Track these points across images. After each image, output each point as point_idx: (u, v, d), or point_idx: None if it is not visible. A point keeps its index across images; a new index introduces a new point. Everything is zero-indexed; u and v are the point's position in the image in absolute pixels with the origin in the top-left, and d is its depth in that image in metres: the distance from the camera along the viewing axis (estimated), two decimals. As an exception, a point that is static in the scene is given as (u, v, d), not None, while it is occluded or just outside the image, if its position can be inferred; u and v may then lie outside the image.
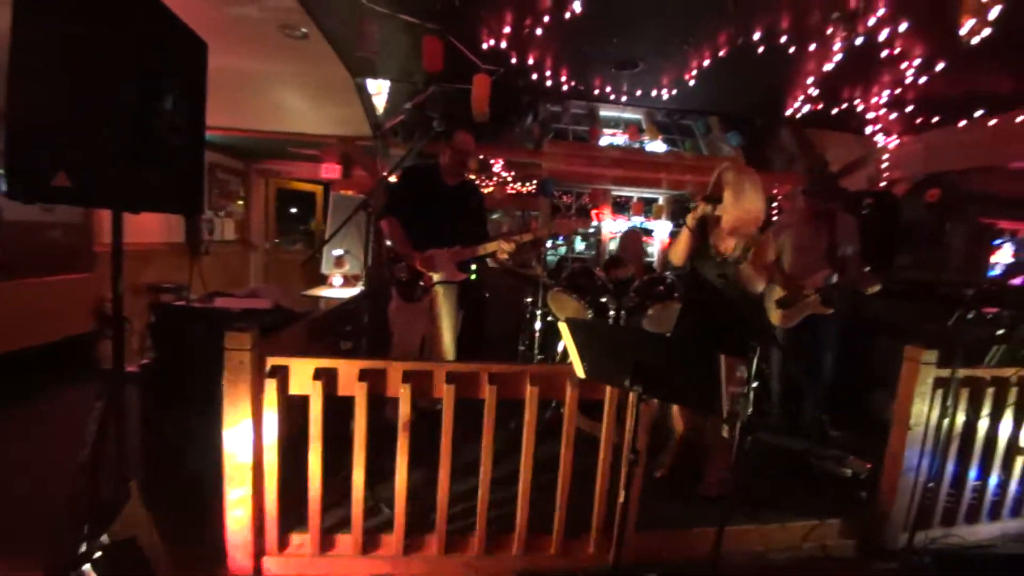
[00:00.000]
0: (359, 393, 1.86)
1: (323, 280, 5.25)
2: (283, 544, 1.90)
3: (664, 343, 1.89)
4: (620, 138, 6.09)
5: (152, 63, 1.45)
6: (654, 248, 6.20)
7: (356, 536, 1.91)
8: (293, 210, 7.75)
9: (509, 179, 6.95)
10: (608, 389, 1.99)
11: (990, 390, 2.27)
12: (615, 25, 2.80)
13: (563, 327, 1.78)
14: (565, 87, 3.75)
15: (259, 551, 1.87)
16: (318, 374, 1.85)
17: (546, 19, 2.64)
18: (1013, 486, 2.41)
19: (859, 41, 2.65)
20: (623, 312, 3.37)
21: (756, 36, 2.75)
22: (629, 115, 6.12)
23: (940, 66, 2.98)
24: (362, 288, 4.75)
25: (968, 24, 2.34)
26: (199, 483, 1.93)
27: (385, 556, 1.94)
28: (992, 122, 3.84)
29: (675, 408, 2.58)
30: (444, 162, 2.77)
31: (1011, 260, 4.47)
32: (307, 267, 6.45)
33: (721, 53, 3.00)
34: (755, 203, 2.12)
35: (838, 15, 2.41)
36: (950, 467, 2.27)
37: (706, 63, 3.18)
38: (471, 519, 1.97)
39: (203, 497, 1.89)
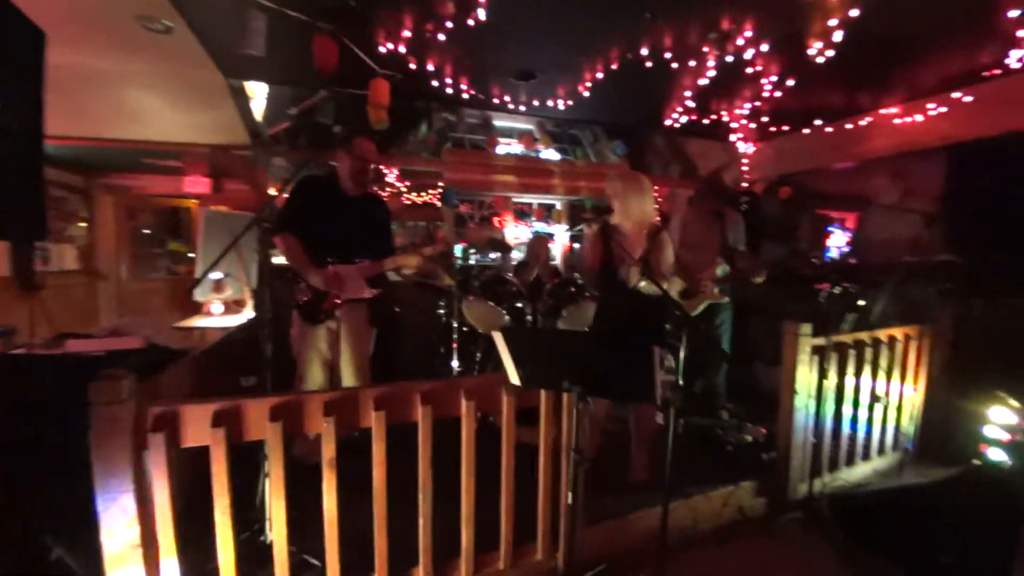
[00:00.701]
0: (272, 435, 1.63)
1: (197, 308, 4.61)
2: (190, 628, 1.59)
3: (598, 342, 1.93)
4: (516, 147, 6.23)
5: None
6: (557, 251, 6.43)
7: (281, 595, 1.66)
8: (146, 231, 6.67)
9: (404, 189, 6.75)
10: (543, 394, 1.99)
11: (852, 352, 2.68)
12: (515, 35, 2.84)
13: (497, 336, 1.74)
14: (465, 95, 3.72)
15: (160, 643, 1.54)
16: (219, 419, 1.58)
17: (448, 25, 2.59)
18: (876, 429, 2.87)
19: (728, 59, 3.03)
20: (539, 315, 3.42)
21: (643, 52, 2.98)
22: (522, 125, 6.29)
23: (791, 82, 3.51)
24: (252, 314, 4.29)
25: (816, 46, 2.81)
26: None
27: (318, 611, 1.72)
28: (828, 129, 4.64)
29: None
30: (344, 172, 2.55)
31: (845, 244, 5.42)
32: (178, 296, 5.65)
33: (613, 66, 3.21)
34: (641, 205, 2.35)
35: (714, 35, 2.73)
36: (829, 421, 2.63)
37: (599, 75, 3.37)
38: (413, 551, 1.83)
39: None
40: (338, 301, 2.57)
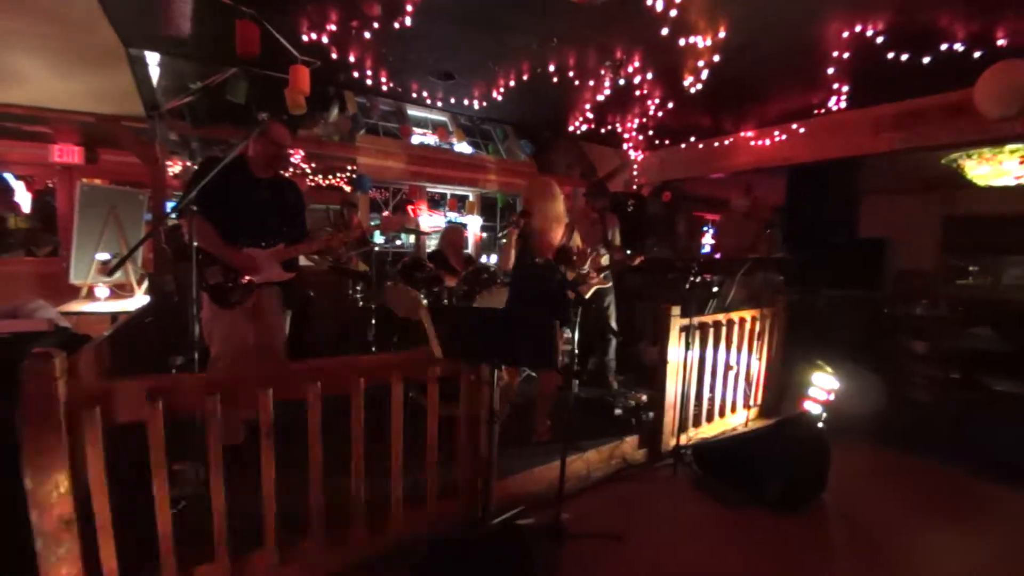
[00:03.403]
0: (210, 409, 1.73)
1: (75, 293, 4.19)
2: (128, 596, 1.65)
3: (509, 317, 2.25)
4: (431, 138, 6.36)
5: None
6: (469, 241, 6.70)
7: (222, 563, 1.77)
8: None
9: (308, 171, 6.58)
10: (463, 365, 2.26)
11: (711, 330, 3.31)
12: (437, 41, 3.05)
13: (424, 313, 2.00)
14: (383, 87, 3.82)
15: (97, 611, 1.59)
16: (153, 394, 1.65)
17: (375, 25, 2.72)
18: (729, 392, 3.55)
19: (621, 82, 3.54)
20: (454, 299, 3.69)
21: (551, 68, 3.37)
22: (436, 116, 6.43)
23: (671, 104, 4.15)
24: (144, 299, 4.01)
25: (688, 79, 3.42)
26: None
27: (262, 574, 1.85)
28: (700, 145, 5.46)
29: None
30: (254, 153, 2.50)
31: (711, 241, 6.40)
32: (47, 280, 5.02)
33: (524, 77, 3.56)
34: (555, 207, 2.74)
35: (609, 62, 3.19)
36: (694, 387, 3.24)
37: (511, 83, 3.70)
38: (347, 511, 2.02)
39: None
40: (253, 283, 2.57)
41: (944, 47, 2.91)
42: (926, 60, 3.07)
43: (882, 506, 2.70)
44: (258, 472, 1.82)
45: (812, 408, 3.42)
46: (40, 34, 2.54)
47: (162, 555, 1.67)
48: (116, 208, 4.30)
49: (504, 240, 2.86)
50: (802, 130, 4.64)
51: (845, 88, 3.72)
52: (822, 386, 3.40)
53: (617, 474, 2.88)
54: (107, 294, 4.07)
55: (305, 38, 2.90)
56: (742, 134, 5.06)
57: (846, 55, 3.10)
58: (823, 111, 4.30)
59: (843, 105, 4.07)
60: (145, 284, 4.14)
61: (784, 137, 4.79)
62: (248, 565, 1.85)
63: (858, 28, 2.78)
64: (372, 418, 1.99)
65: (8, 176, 5.36)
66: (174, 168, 5.56)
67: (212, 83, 3.55)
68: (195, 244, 2.08)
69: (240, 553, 1.83)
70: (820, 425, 3.28)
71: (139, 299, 4.08)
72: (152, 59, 3.49)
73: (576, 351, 2.39)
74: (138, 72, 3.29)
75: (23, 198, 5.61)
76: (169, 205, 4.59)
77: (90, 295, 4.07)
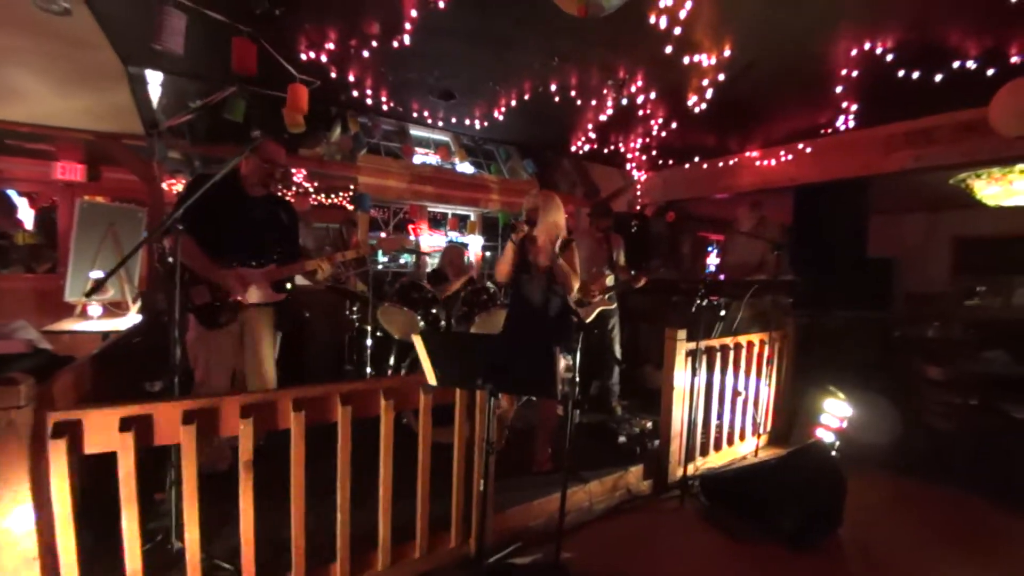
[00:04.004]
0: (186, 439, 1.63)
1: (69, 311, 4.14)
2: (91, 641, 1.53)
3: (507, 344, 2.15)
4: (432, 158, 6.36)
5: None
6: (471, 261, 6.64)
7: (194, 601, 1.65)
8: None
9: (312, 189, 6.58)
10: (458, 392, 2.16)
11: (719, 354, 3.19)
12: (437, 61, 3.03)
13: (416, 339, 1.90)
14: (384, 106, 3.81)
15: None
16: (127, 424, 1.55)
17: (374, 44, 2.69)
18: (738, 419, 3.41)
19: (624, 102, 3.50)
20: (452, 321, 3.59)
21: (552, 88, 3.34)
22: (438, 136, 6.44)
23: (674, 124, 4.10)
24: (137, 317, 3.95)
25: (692, 99, 3.37)
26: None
27: (234, 613, 1.72)
28: (704, 165, 5.41)
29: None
30: (246, 171, 2.45)
31: (717, 261, 6.29)
32: (43, 297, 4.98)
33: (525, 97, 3.53)
34: (557, 218, 2.68)
35: (611, 81, 3.15)
36: (701, 413, 3.11)
37: (512, 103, 3.68)
38: (331, 548, 1.90)
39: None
40: (243, 302, 2.49)
41: (956, 64, 2.85)
42: (938, 78, 3.01)
43: (901, 540, 2.55)
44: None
45: (824, 436, 3.27)
46: (40, 51, 2.53)
47: (129, 597, 1.56)
48: (115, 225, 4.27)
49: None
50: (808, 150, 4.58)
51: (854, 107, 3.66)
52: (834, 413, 3.26)
53: (621, 506, 2.74)
54: (100, 312, 4.01)
55: (304, 56, 2.89)
56: (747, 154, 5.01)
57: (855, 73, 3.04)
58: (831, 130, 4.24)
59: (851, 124, 4.01)
60: (139, 303, 4.08)
61: (790, 157, 4.73)
62: (222, 607, 1.72)
63: (867, 46, 2.73)
64: (362, 443, 1.89)
65: (12, 193, 5.38)
66: (177, 186, 5.56)
67: (211, 101, 3.54)
68: (178, 263, 2.00)
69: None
70: (834, 454, 3.13)
71: (132, 318, 4.01)
72: (152, 77, 3.50)
73: (577, 378, 2.27)
74: (137, 90, 3.28)
75: (26, 215, 5.63)
76: (167, 223, 4.56)
77: (83, 313, 4.01)
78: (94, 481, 1.69)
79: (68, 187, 5.16)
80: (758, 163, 4.98)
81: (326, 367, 4.25)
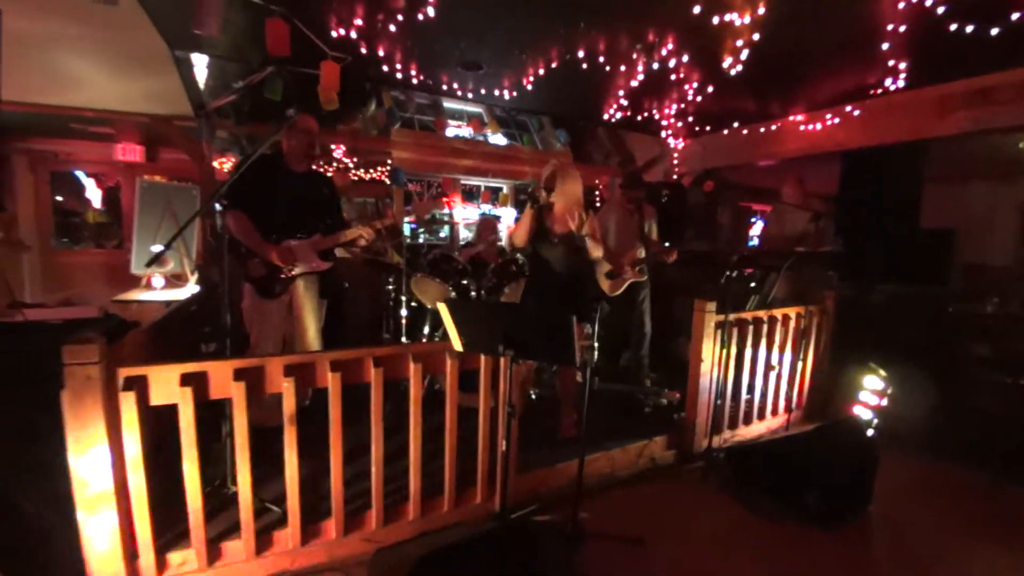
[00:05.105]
0: (237, 393, 1.81)
1: (135, 282, 4.51)
2: (161, 567, 1.76)
3: (527, 313, 2.21)
4: (465, 130, 6.37)
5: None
6: (503, 233, 6.69)
7: (248, 539, 1.86)
8: (59, 198, 6.19)
9: (351, 165, 6.73)
10: (483, 358, 2.26)
11: (751, 328, 3.14)
12: (462, 31, 3.02)
13: (442, 307, 1.99)
14: (414, 80, 3.84)
15: (133, 578, 1.71)
16: (186, 380, 1.74)
17: (399, 17, 2.72)
18: (770, 394, 3.37)
19: (655, 66, 3.38)
20: (483, 292, 3.68)
21: (580, 54, 3.26)
22: (471, 108, 6.42)
23: (710, 88, 3.93)
24: (194, 288, 4.27)
25: (727, 61, 3.21)
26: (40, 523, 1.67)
27: (282, 552, 1.93)
28: (744, 131, 5.17)
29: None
30: (287, 148, 2.64)
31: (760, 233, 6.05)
32: (111, 269, 5.41)
33: (553, 64, 3.47)
34: (575, 188, 2.67)
35: (640, 46, 3.05)
36: (730, 386, 3.09)
37: (541, 72, 3.63)
38: (366, 499, 2.07)
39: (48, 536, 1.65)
40: (293, 275, 2.70)
41: (1016, 16, 2.58)
42: (995, 32, 2.73)
43: (934, 525, 2.47)
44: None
45: (862, 413, 3.18)
46: (93, 38, 2.72)
47: (192, 530, 1.77)
48: (172, 203, 4.59)
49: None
50: (856, 112, 4.29)
51: (903, 65, 3.38)
52: (874, 390, 3.16)
53: (643, 475, 2.80)
54: (163, 283, 4.36)
55: (334, 34, 2.95)
56: (790, 118, 4.74)
57: (903, 28, 2.80)
58: (880, 92, 3.95)
59: (901, 84, 3.72)
60: (196, 274, 4.40)
61: (837, 120, 4.44)
62: (271, 543, 1.93)
63: (915, -3, 2.51)
64: (396, 407, 2.02)
65: (80, 174, 5.82)
66: (227, 164, 5.84)
67: (252, 82, 3.69)
68: (225, 238, 2.17)
69: (265, 533, 1.93)
70: (870, 432, 3.05)
71: (190, 288, 4.33)
72: (198, 60, 3.67)
73: (596, 347, 2.31)
74: (185, 73, 3.47)
75: (94, 194, 6.09)
76: (219, 200, 4.85)
77: (148, 285, 4.36)
78: (164, 437, 1.91)
79: (129, 167, 5.51)
80: (802, 127, 4.71)
81: (365, 336, 4.46)
